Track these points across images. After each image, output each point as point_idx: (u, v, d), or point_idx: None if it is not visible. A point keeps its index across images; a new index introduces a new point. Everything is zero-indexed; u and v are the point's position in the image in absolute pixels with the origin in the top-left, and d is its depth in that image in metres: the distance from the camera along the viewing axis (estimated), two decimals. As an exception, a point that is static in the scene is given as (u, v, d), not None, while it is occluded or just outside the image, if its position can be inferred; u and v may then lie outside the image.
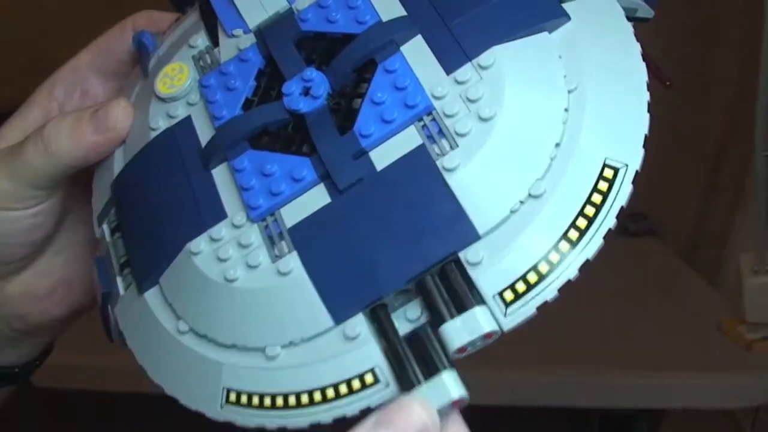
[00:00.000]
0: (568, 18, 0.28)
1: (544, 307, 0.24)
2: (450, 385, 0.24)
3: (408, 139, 0.27)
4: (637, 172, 0.26)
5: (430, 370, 0.24)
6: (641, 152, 0.26)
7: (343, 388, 0.25)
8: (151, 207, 0.31)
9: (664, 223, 1.32)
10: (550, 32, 0.28)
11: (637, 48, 0.27)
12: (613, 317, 1.00)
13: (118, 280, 0.31)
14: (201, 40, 0.34)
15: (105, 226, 0.33)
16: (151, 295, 0.30)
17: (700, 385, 0.91)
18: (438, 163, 0.26)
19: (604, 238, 0.25)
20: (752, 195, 0.87)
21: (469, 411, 0.26)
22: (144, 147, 0.32)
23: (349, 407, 0.25)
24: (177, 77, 0.33)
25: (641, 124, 0.26)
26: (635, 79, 0.27)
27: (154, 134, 0.32)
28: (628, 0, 0.29)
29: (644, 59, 0.27)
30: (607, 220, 0.25)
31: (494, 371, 0.89)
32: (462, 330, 0.24)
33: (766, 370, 0.89)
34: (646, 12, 0.31)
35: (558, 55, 0.27)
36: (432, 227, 0.26)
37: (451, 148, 0.26)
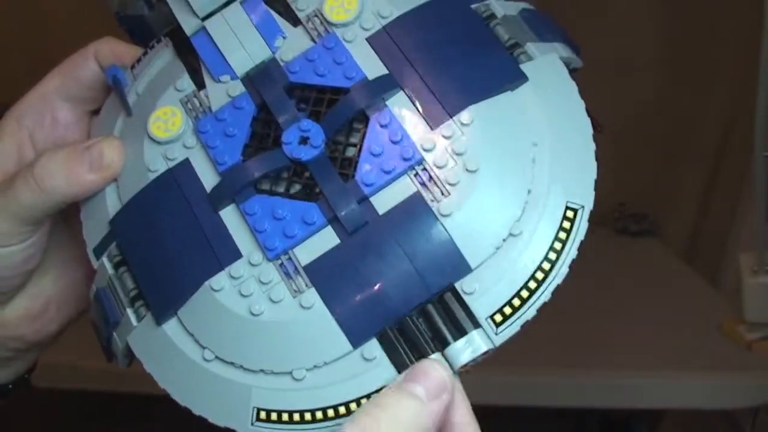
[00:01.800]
0: (526, 78, 0.33)
1: (527, 325, 0.29)
2: None
3: (404, 187, 0.32)
4: (591, 211, 0.31)
5: None
6: (593, 195, 0.31)
7: (364, 402, 0.30)
8: (161, 245, 0.33)
9: (664, 223, 1.32)
10: (512, 91, 0.33)
11: (582, 105, 0.33)
12: (613, 317, 1.00)
13: (129, 311, 0.34)
14: (186, 84, 0.36)
15: (105, 260, 0.35)
16: (170, 327, 0.32)
17: (700, 385, 0.91)
18: (434, 208, 0.31)
19: (570, 266, 0.30)
20: (752, 195, 0.87)
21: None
22: (144, 187, 0.34)
23: None
24: (171, 121, 0.35)
25: (591, 170, 0.31)
26: (583, 132, 0.32)
27: (153, 175, 0.34)
28: (565, 57, 0.34)
29: (587, 113, 0.33)
30: (572, 251, 0.30)
31: (494, 371, 0.89)
32: (465, 350, 0.29)
33: (766, 370, 0.89)
34: (576, 63, 0.35)
35: (522, 113, 0.32)
36: (432, 262, 0.30)
37: (443, 195, 0.31)
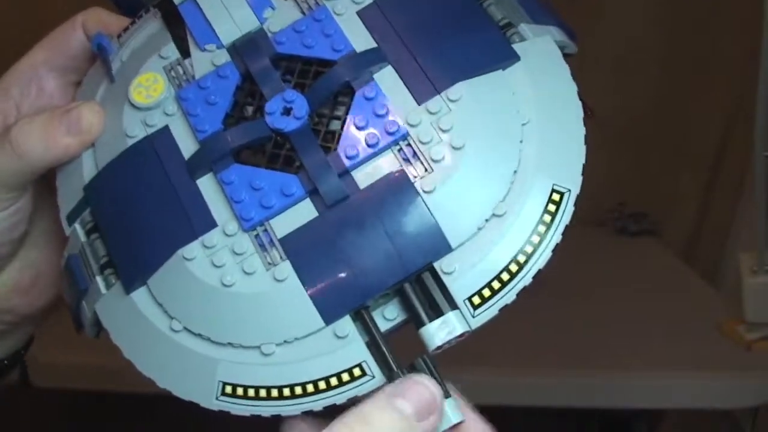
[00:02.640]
0: (518, 58, 0.32)
1: (505, 309, 0.29)
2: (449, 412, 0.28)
3: (387, 162, 0.31)
4: (577, 196, 0.30)
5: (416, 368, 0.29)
6: (580, 179, 0.30)
7: (334, 381, 0.29)
8: (134, 212, 0.32)
9: (664, 223, 1.32)
10: (503, 70, 0.32)
11: (574, 88, 0.32)
12: (612, 317, 1.00)
13: (98, 279, 0.33)
14: (171, 51, 0.35)
15: (77, 226, 0.34)
16: (139, 296, 0.31)
17: (700, 385, 0.91)
18: (417, 184, 0.30)
19: (553, 251, 0.29)
20: (752, 195, 0.87)
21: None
22: (121, 153, 0.34)
23: (338, 396, 0.29)
24: (152, 87, 0.34)
25: (580, 154, 0.31)
26: (574, 115, 0.31)
27: (131, 141, 0.34)
28: (560, 40, 0.34)
29: (579, 97, 0.32)
30: (556, 235, 0.29)
31: (494, 371, 0.89)
32: (440, 331, 0.28)
33: (766, 370, 0.89)
34: (571, 48, 0.34)
35: (512, 92, 0.31)
36: (411, 240, 0.29)
37: (427, 171, 0.30)
